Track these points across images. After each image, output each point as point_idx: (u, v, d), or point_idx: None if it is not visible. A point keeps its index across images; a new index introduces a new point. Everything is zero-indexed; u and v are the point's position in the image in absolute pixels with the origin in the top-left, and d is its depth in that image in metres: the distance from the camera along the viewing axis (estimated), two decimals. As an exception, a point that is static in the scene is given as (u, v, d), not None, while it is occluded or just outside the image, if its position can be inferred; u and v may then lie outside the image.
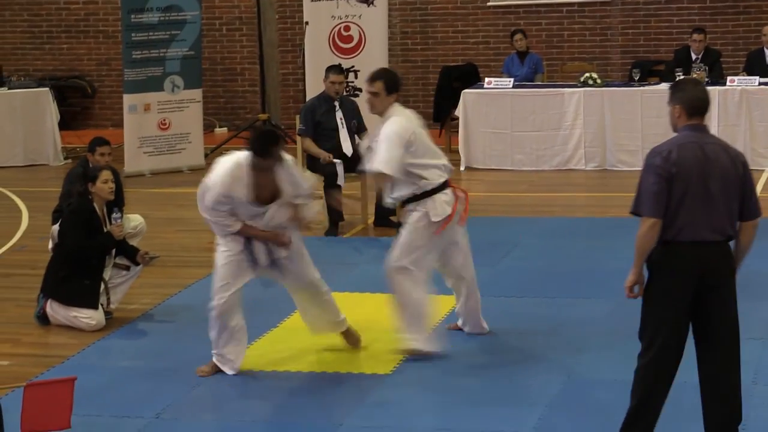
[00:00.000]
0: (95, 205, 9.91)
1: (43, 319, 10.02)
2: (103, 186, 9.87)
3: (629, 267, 6.29)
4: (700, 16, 18.97)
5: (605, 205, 14.18)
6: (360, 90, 16.15)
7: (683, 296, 6.56)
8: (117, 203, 10.46)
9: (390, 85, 8.91)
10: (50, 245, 10.38)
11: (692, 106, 6.58)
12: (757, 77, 16.08)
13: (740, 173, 6.59)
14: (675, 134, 6.61)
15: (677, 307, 6.59)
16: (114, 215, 9.94)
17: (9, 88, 17.82)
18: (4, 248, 12.71)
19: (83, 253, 9.84)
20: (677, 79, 6.85)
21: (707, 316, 6.62)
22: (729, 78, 16.16)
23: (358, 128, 13.27)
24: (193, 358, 9.06)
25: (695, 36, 16.93)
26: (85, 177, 10.07)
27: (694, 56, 16.73)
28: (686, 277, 6.53)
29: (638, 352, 6.77)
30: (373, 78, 8.97)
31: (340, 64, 14.39)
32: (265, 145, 8.20)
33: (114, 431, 7.70)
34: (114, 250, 10.02)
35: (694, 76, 16.02)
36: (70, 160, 17.19)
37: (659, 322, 6.66)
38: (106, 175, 9.92)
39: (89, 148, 10.80)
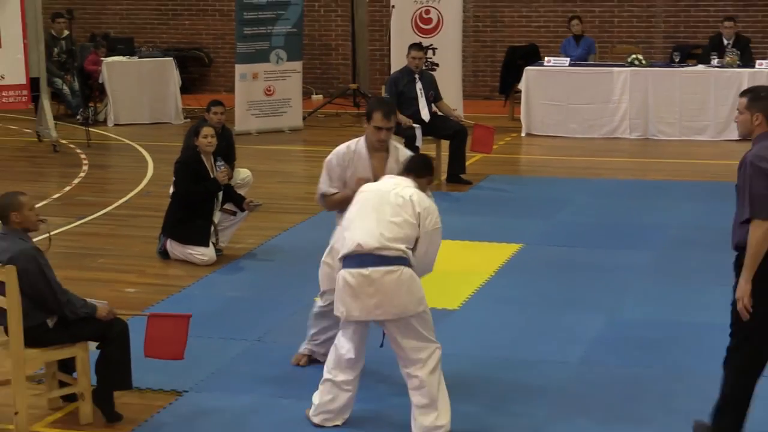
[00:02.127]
0: (202, 156, 9.93)
1: (163, 254, 10.09)
2: (203, 140, 9.86)
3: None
4: (733, 6, 18.62)
5: (646, 169, 14.03)
6: (437, 65, 16.07)
7: None
8: (228, 157, 10.50)
9: None
10: (170, 191, 10.42)
11: None
12: (784, 61, 15.83)
13: None
14: (755, 139, 5.84)
15: None
16: (218, 164, 9.96)
17: (139, 57, 17.90)
18: (133, 193, 12.79)
19: (192, 197, 9.88)
20: (753, 86, 6.11)
21: None
22: (758, 62, 15.87)
23: (435, 98, 13.20)
24: (290, 291, 9.09)
25: (726, 24, 16.60)
26: (194, 133, 10.10)
27: (725, 42, 16.41)
28: None
29: (733, 345, 5.99)
30: (392, 111, 7.08)
31: (420, 42, 14.27)
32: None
33: (221, 351, 7.74)
34: (222, 196, 10.05)
35: (727, 59, 15.80)
36: (189, 119, 17.25)
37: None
38: (206, 131, 9.91)
39: (206, 108, 10.82)
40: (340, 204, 7.11)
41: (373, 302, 6.16)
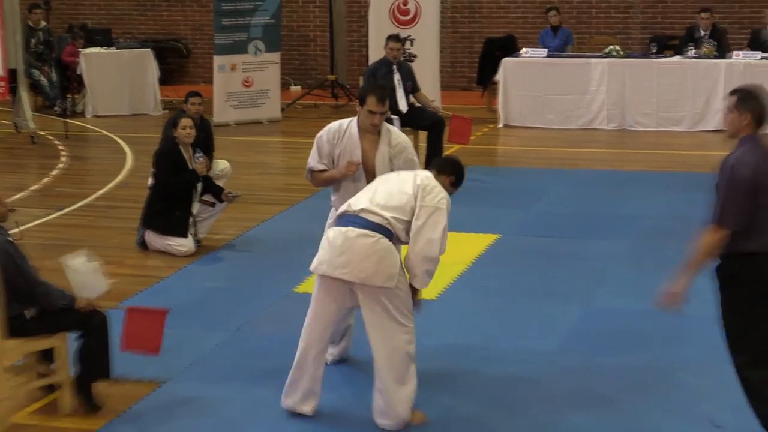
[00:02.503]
0: (181, 147, 9.94)
1: (142, 245, 10.10)
2: (181, 131, 9.88)
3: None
4: (710, -3, 18.75)
5: (623, 159, 14.09)
6: (415, 56, 16.10)
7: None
8: (207, 149, 10.51)
9: None
10: (149, 183, 10.43)
11: (762, 116, 5.60)
12: (759, 52, 15.90)
13: None
14: (740, 140, 5.62)
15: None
16: (197, 155, 9.98)
17: (117, 48, 17.88)
18: (111, 184, 12.78)
19: (171, 188, 9.89)
20: (743, 85, 5.86)
21: None
22: (734, 52, 15.96)
23: (412, 89, 13.23)
24: (268, 281, 9.12)
25: (702, 15, 16.63)
26: (173, 124, 10.10)
27: (702, 32, 16.47)
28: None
29: (740, 364, 5.73)
30: (386, 96, 7.02)
31: (398, 34, 14.29)
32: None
33: (201, 341, 7.77)
34: (201, 187, 10.06)
35: (704, 50, 15.87)
36: (167, 111, 17.23)
37: (764, 331, 5.63)
38: (184, 122, 9.93)
39: (184, 99, 10.83)
40: (326, 182, 7.13)
41: (340, 260, 6.15)
